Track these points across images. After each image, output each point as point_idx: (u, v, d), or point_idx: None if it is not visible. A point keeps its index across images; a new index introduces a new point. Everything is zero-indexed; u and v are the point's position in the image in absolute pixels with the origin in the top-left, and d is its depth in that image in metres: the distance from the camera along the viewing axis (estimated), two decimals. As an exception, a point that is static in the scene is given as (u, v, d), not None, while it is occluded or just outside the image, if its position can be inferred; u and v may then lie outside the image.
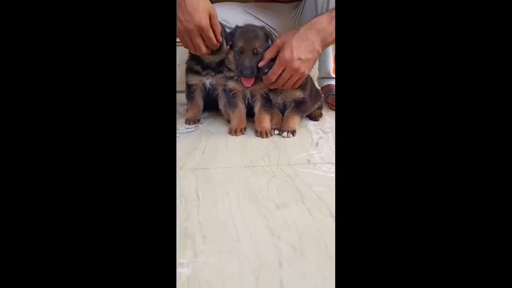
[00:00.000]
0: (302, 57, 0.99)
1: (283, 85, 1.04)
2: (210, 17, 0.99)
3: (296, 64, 0.99)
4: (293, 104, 1.11)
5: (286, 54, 0.99)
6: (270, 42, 1.06)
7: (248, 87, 1.06)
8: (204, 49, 1.03)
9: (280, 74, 1.02)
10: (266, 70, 1.02)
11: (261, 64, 1.02)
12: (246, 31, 1.04)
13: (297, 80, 1.04)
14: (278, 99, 1.11)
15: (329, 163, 0.86)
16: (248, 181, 0.75)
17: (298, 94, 1.10)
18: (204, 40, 1.02)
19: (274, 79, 1.02)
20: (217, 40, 1.03)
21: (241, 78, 1.04)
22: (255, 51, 1.02)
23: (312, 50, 1.01)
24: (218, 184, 0.73)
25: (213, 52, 1.08)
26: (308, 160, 0.88)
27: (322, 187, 0.72)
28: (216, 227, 0.57)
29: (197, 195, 0.68)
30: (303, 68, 1.02)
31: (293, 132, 1.08)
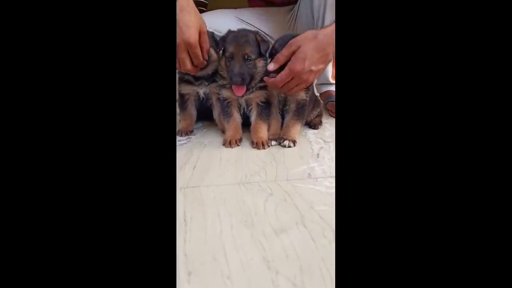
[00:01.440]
0: (314, 68, 0.93)
1: (286, 91, 0.99)
2: (200, 34, 0.94)
3: (306, 76, 0.94)
4: (294, 109, 1.04)
5: (297, 65, 0.92)
6: (262, 50, 0.98)
7: (240, 96, 0.99)
8: (188, 66, 0.97)
9: (287, 82, 0.96)
10: (273, 75, 0.95)
11: (271, 67, 0.95)
12: (237, 35, 0.97)
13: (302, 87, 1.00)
14: (281, 93, 1.05)
15: (331, 176, 0.79)
16: (242, 201, 0.67)
17: (302, 95, 1.04)
18: (190, 57, 0.96)
19: (280, 86, 0.96)
20: (203, 58, 0.98)
21: (233, 86, 0.97)
22: (246, 57, 0.95)
23: (325, 61, 0.95)
24: (209, 205, 0.66)
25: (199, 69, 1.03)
26: (309, 174, 0.81)
27: (324, 205, 0.65)
28: (204, 260, 0.49)
29: (185, 220, 0.60)
30: (312, 79, 0.98)
31: (294, 142, 1.00)
